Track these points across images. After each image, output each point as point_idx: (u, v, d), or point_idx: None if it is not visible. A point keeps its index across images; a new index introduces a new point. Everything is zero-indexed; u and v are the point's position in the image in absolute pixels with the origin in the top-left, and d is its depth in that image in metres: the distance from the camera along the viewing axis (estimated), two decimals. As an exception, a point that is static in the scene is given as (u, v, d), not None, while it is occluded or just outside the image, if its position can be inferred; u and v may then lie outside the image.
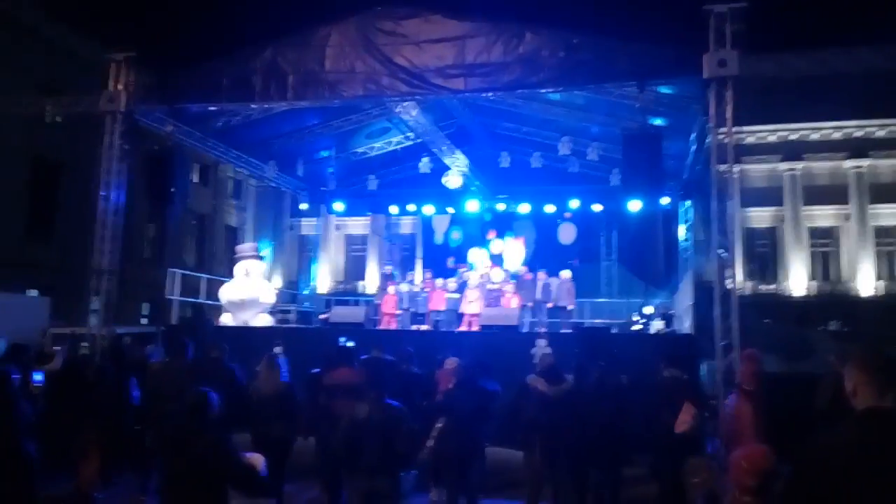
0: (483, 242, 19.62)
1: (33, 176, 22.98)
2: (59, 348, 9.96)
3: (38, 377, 6.90)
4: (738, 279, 26.69)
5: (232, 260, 16.50)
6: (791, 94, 25.18)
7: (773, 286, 28.81)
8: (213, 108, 13.77)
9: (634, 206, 18.46)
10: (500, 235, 19.44)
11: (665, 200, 18.60)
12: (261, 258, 16.69)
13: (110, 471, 8.24)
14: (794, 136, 28.49)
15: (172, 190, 13.41)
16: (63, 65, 22.13)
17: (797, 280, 28.35)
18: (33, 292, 20.36)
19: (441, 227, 21.85)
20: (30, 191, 22.86)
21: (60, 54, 22.70)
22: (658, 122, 13.90)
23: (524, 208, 20.04)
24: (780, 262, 28.91)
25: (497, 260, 18.50)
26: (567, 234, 20.36)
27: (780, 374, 11.21)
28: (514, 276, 16.52)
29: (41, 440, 5.34)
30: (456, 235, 21.26)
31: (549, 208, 19.66)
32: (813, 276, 28.59)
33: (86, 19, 23.91)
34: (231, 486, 4.12)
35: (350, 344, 8.31)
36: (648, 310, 15.94)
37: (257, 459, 4.53)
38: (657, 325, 14.68)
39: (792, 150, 28.61)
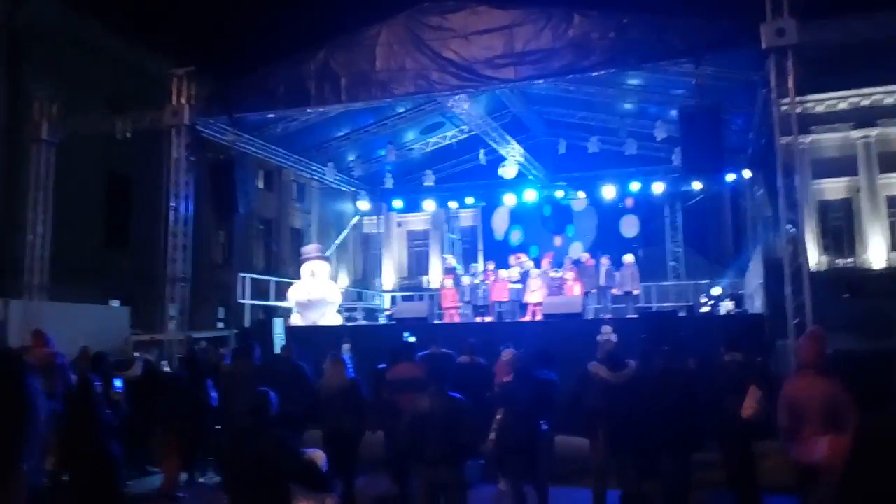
0: (543, 240, 19.55)
1: (108, 189, 24.07)
2: (138, 355, 10.43)
3: (118, 384, 7.26)
4: (813, 254, 25.74)
5: (298, 262, 16.89)
6: (860, 59, 23.97)
7: (850, 260, 27.54)
8: (271, 115, 14.15)
9: (698, 184, 18.02)
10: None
11: (730, 177, 18.07)
12: (326, 259, 17.03)
13: (192, 470, 8.60)
14: (865, 102, 27.09)
15: (237, 197, 13.82)
16: (130, 80, 23.05)
17: (876, 252, 27.03)
18: (115, 302, 21.33)
19: (500, 222, 21.87)
20: (106, 204, 23.95)
21: (127, 70, 23.65)
22: (717, 97, 13.51)
23: (581, 201, 19.75)
24: (858, 235, 27.60)
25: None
26: (629, 226, 20.02)
27: (859, 352, 10.77)
28: (577, 263, 16.34)
29: (125, 443, 5.63)
30: (516, 236, 21.23)
31: (609, 192, 19.36)
32: (893, 248, 27.22)
33: (149, 36, 24.87)
34: (292, 482, 4.23)
35: (412, 339, 8.41)
36: (716, 291, 15.51)
37: (318, 456, 4.66)
38: (727, 306, 14.27)
39: (865, 117, 27.22)
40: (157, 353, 11.55)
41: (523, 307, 15.43)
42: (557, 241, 19.99)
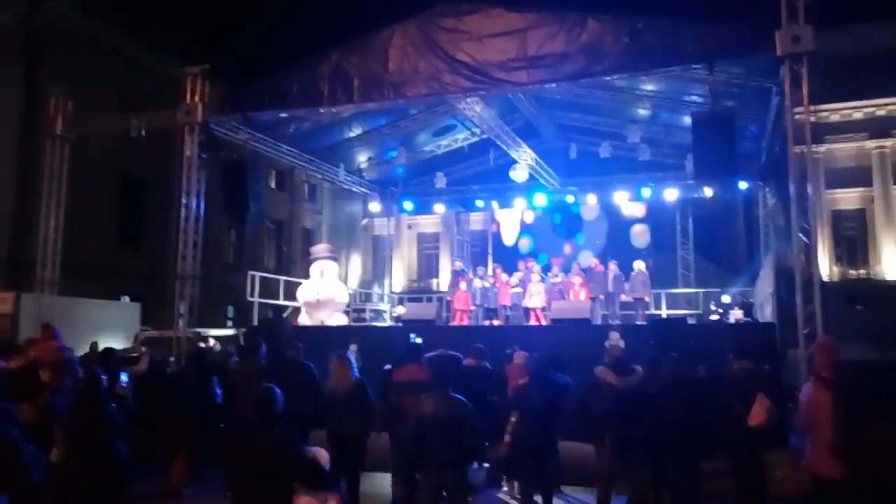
0: (553, 247, 19.52)
1: (122, 189, 24.25)
2: (144, 349, 10.47)
3: (124, 378, 7.29)
4: (825, 264, 25.54)
5: (309, 262, 16.92)
6: (876, 68, 23.79)
7: (863, 271, 27.31)
8: (283, 115, 14.19)
9: (710, 191, 17.92)
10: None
11: (743, 185, 17.98)
12: (335, 259, 17.06)
13: (197, 468, 8.61)
14: (881, 112, 26.86)
15: (248, 196, 13.86)
16: (145, 81, 23.21)
17: (890, 263, 26.78)
18: (125, 298, 21.45)
19: (510, 228, 21.85)
20: (119, 203, 24.13)
21: (142, 71, 23.81)
22: (731, 103, 13.45)
23: (592, 210, 19.67)
24: (871, 246, 27.34)
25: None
26: (640, 236, 19.93)
27: (871, 362, 10.66)
28: (586, 270, 16.30)
29: (131, 439, 5.64)
30: (525, 243, 21.19)
31: (620, 198, 19.30)
32: (908, 259, 26.97)
33: (163, 36, 25.01)
34: (295, 480, 4.22)
35: (419, 341, 8.39)
36: (726, 299, 15.42)
37: (321, 454, 4.65)
38: (736, 315, 14.18)
39: (880, 127, 26.97)
40: (162, 350, 11.57)
41: (527, 311, 15.43)
42: (567, 249, 19.94)
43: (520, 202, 20.55)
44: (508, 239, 21.98)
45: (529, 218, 21.45)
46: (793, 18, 10.04)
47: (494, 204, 21.23)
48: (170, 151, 21.06)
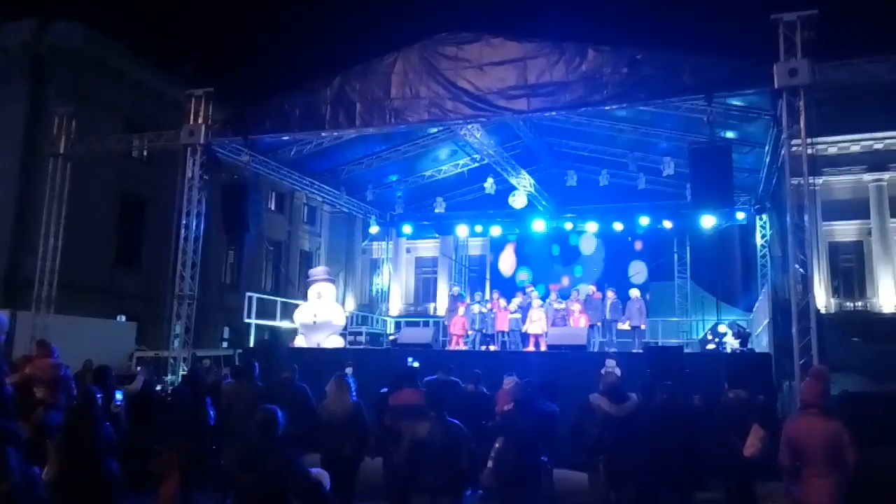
0: (551, 276, 19.56)
1: (121, 209, 24.34)
2: (139, 369, 10.46)
3: (119, 396, 7.27)
4: (822, 296, 25.58)
5: (307, 284, 16.94)
6: (874, 103, 24.09)
7: (860, 303, 27.37)
8: (285, 138, 14.30)
9: (708, 221, 18.00)
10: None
11: (740, 215, 18.08)
12: (332, 281, 17.07)
13: (189, 489, 8.54)
14: (878, 146, 27.15)
15: (248, 217, 13.91)
16: (149, 104, 23.43)
17: (886, 296, 26.85)
18: (121, 318, 21.42)
19: (507, 261, 21.93)
20: (118, 223, 24.20)
21: (146, 94, 24.05)
22: (729, 134, 13.58)
23: (590, 243, 19.76)
24: (868, 278, 27.45)
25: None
26: (638, 272, 19.98)
27: (867, 394, 10.67)
28: (585, 300, 16.33)
29: (124, 459, 5.61)
30: (523, 276, 21.20)
31: (618, 226, 19.39)
32: (904, 292, 27.03)
33: (169, 60, 25.31)
34: (297, 501, 4.23)
35: (415, 365, 8.39)
36: (723, 328, 15.43)
37: (323, 476, 4.65)
38: (732, 344, 14.18)
39: (877, 161, 27.25)
40: (152, 369, 11.52)
41: (525, 337, 15.41)
42: (565, 280, 19.95)
43: (513, 242, 20.63)
44: (506, 270, 22.04)
45: (527, 249, 21.52)
46: (790, 52, 10.19)
47: (494, 230, 21.31)
48: (170, 172, 21.18)
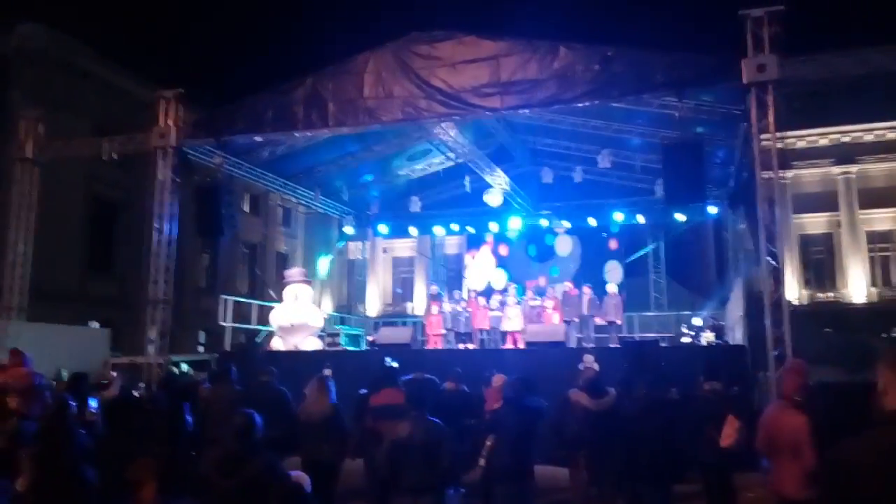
0: (528, 275, 19.65)
1: (92, 213, 23.94)
2: (115, 374, 10.30)
3: (93, 403, 7.16)
4: (794, 288, 25.99)
5: (283, 286, 16.83)
6: (841, 96, 24.52)
7: (831, 294, 27.84)
8: (258, 139, 14.18)
9: (681, 216, 18.22)
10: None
11: (713, 209, 18.31)
12: (309, 283, 16.97)
13: (167, 496, 8.44)
14: (846, 139, 27.63)
15: (222, 220, 13.78)
16: (118, 106, 23.05)
17: (857, 287, 27.36)
18: (94, 324, 21.08)
19: (484, 262, 21.97)
20: (89, 228, 23.80)
21: (115, 96, 23.67)
22: (700, 129, 13.74)
23: (566, 244, 19.88)
24: (839, 269, 27.95)
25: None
26: (614, 272, 20.15)
27: (840, 384, 10.86)
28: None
29: (99, 466, 5.53)
30: (500, 276, 21.21)
31: (593, 222, 19.53)
32: (873, 282, 27.57)
33: (137, 60, 24.96)
34: None
35: (394, 364, 8.37)
36: (698, 322, 15.63)
37: (303, 479, 4.63)
38: (708, 337, 14.37)
39: (845, 153, 27.74)
40: (128, 376, 11.36)
41: (504, 334, 15.46)
42: (542, 281, 20.03)
43: (491, 238, 20.66)
44: (483, 271, 22.08)
45: (504, 251, 21.57)
46: (758, 48, 10.34)
47: (470, 228, 21.32)
48: (142, 175, 20.89)
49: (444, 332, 16.11)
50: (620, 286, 17.88)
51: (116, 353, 16.12)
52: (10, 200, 14.79)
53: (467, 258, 22.19)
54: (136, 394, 10.00)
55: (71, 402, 5.44)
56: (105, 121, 21.50)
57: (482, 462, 6.58)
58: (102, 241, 24.24)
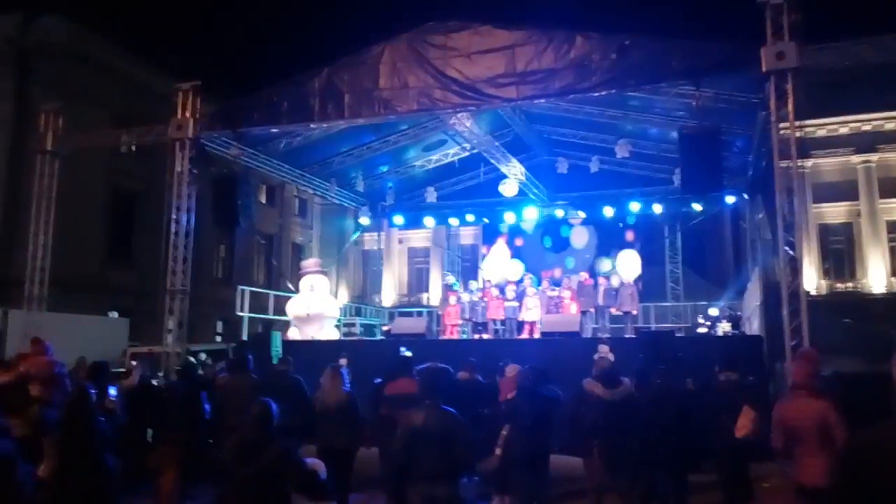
0: (544, 265, 19.58)
1: (112, 204, 24.21)
2: (135, 363, 10.45)
3: (112, 391, 7.28)
4: (813, 278, 25.74)
5: (299, 276, 16.93)
6: (863, 84, 24.13)
7: (850, 284, 27.55)
8: (274, 131, 14.23)
9: (698, 206, 18.09)
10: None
11: (730, 199, 18.14)
12: (325, 273, 17.07)
13: (187, 483, 8.56)
14: (867, 127, 27.24)
15: (239, 211, 13.87)
16: (136, 98, 23.25)
17: (876, 277, 27.05)
18: (114, 314, 21.35)
19: (499, 254, 21.92)
20: (109, 218, 24.07)
21: (134, 88, 23.86)
22: (718, 118, 13.60)
23: (581, 237, 19.77)
24: (858, 259, 27.63)
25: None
26: (631, 266, 20.01)
27: (859, 374, 10.78)
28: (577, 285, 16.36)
29: (121, 453, 5.63)
30: (517, 268, 21.17)
31: (609, 212, 19.43)
32: (893, 273, 27.23)
33: (155, 53, 25.14)
34: (295, 491, 4.27)
35: (408, 354, 8.42)
36: (714, 312, 15.53)
37: (318, 465, 4.69)
38: (724, 328, 14.29)
39: (866, 142, 27.36)
40: (148, 364, 11.50)
41: (520, 325, 15.46)
42: (557, 273, 19.97)
43: (506, 229, 20.63)
44: (499, 263, 22.04)
45: (519, 242, 21.52)
46: (777, 35, 10.20)
47: (486, 219, 21.29)
48: (160, 166, 21.06)
49: (461, 322, 16.15)
50: (637, 283, 17.73)
51: (135, 343, 16.34)
52: (31, 192, 14.97)
53: (483, 249, 22.19)
54: (154, 383, 10.15)
55: (91, 391, 5.53)
56: (124, 113, 21.70)
57: (498, 451, 6.62)
58: (122, 232, 24.52)
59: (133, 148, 14.83)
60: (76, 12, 22.87)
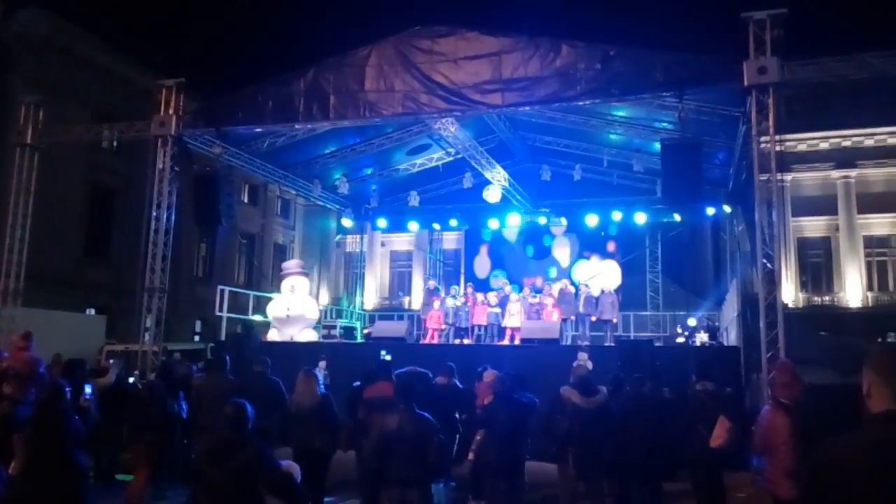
0: (526, 273, 19.68)
1: (91, 200, 23.91)
2: (112, 361, 10.33)
3: (88, 390, 7.19)
4: (791, 291, 26.03)
5: (280, 277, 16.84)
6: (843, 101, 24.53)
7: (828, 297, 27.89)
8: (258, 130, 14.18)
9: (679, 216, 18.25)
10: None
11: (711, 210, 18.33)
12: (306, 274, 16.98)
13: (159, 483, 8.48)
14: (846, 143, 27.63)
15: (220, 210, 13.78)
16: (118, 93, 23.01)
17: (853, 291, 27.41)
18: (91, 311, 21.08)
19: (481, 262, 22.02)
20: (88, 215, 23.77)
21: (116, 83, 23.61)
22: (700, 130, 13.74)
23: (564, 249, 19.89)
24: (836, 273, 27.98)
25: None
26: (613, 277, 20.18)
27: (832, 386, 10.89)
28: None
29: (94, 451, 5.56)
30: (499, 281, 21.26)
31: (591, 221, 19.55)
32: (870, 287, 27.62)
33: (138, 48, 24.88)
34: (268, 493, 4.23)
35: (388, 357, 8.40)
36: (692, 322, 15.66)
37: (293, 468, 4.66)
38: (702, 338, 14.42)
39: (845, 158, 27.74)
40: (122, 362, 11.37)
41: (501, 331, 15.50)
42: (538, 281, 20.06)
43: (489, 233, 20.69)
44: (481, 272, 22.15)
45: (501, 250, 21.63)
46: (760, 50, 10.35)
47: (468, 224, 21.35)
48: (140, 162, 20.88)
49: (444, 326, 16.17)
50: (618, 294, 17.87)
51: (111, 341, 16.16)
52: (9, 186, 14.78)
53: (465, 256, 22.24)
54: (131, 381, 10.05)
55: (66, 388, 5.46)
56: (105, 108, 21.47)
57: (471, 456, 6.62)
58: (100, 229, 24.22)
59: (114, 143, 14.65)
60: (57, 5, 22.57)
